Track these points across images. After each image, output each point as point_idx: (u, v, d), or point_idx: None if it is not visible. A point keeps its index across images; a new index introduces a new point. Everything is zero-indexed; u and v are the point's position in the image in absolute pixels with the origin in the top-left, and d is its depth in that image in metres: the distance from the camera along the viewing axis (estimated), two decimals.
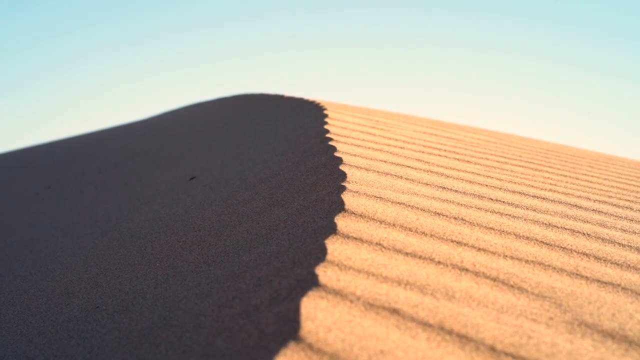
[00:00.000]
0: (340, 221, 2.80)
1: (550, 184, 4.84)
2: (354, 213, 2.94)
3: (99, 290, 3.55)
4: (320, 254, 2.43)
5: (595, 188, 5.02)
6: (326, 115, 6.30)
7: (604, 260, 3.01)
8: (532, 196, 4.18)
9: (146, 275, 3.42)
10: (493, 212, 3.52)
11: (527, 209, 3.77)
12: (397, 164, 4.39)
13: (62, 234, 5.56)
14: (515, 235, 3.14)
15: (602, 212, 4.06)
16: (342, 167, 3.86)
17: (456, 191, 3.89)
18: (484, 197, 3.87)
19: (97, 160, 9.94)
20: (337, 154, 4.27)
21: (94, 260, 4.23)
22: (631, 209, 4.34)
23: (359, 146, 4.80)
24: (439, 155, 5.19)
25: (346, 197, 3.16)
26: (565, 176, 5.39)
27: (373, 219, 2.91)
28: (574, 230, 3.42)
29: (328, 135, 5.09)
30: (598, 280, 2.73)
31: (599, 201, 4.43)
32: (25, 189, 9.46)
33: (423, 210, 3.25)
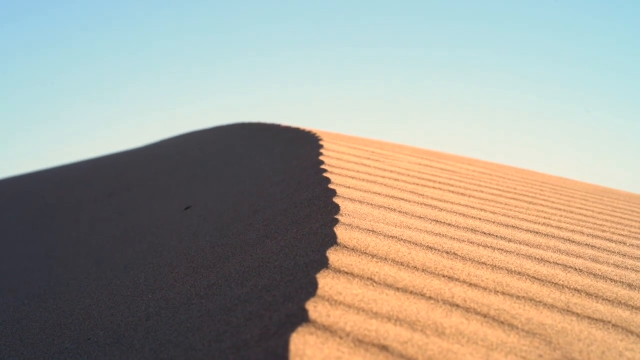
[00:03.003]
0: (332, 255, 2.81)
1: (544, 217, 4.85)
2: (346, 247, 2.94)
3: (91, 321, 3.54)
4: (311, 289, 2.43)
5: (589, 222, 5.03)
6: (321, 146, 6.33)
7: (595, 297, 3.02)
8: (526, 230, 4.19)
9: (138, 307, 3.41)
10: (486, 246, 3.53)
11: (520, 243, 3.78)
12: (391, 196, 4.41)
13: (56, 264, 5.56)
14: (507, 270, 3.15)
15: (595, 247, 4.07)
16: (335, 200, 3.87)
17: (449, 224, 3.90)
18: (477, 230, 3.88)
19: (93, 190, 9.95)
20: (331, 186, 4.29)
21: (87, 290, 4.23)
22: (624, 243, 4.35)
23: (353, 178, 4.81)
24: (433, 187, 5.21)
25: (339, 230, 3.17)
26: (559, 209, 5.41)
27: (365, 253, 2.92)
28: (566, 266, 3.43)
29: (323, 166, 5.11)
30: (589, 317, 2.73)
31: (592, 235, 4.44)
32: (19, 217, 9.45)
33: (415, 244, 3.26)
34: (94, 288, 4.21)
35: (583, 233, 4.46)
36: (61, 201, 9.80)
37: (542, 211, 5.14)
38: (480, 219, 4.27)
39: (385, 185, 4.81)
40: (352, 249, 2.93)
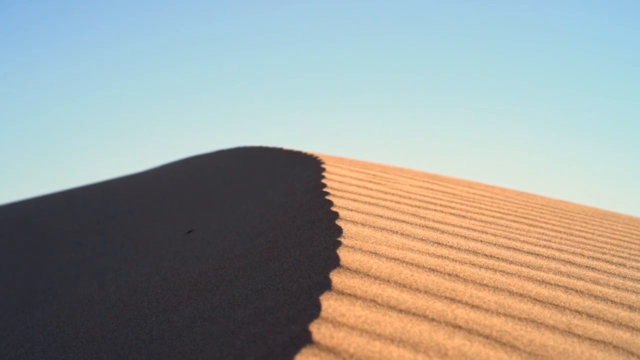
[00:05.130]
0: (335, 277, 2.83)
1: (545, 240, 4.88)
2: (349, 269, 2.97)
3: (94, 345, 3.56)
4: (314, 311, 2.46)
5: (589, 244, 5.05)
6: (323, 169, 6.36)
7: (597, 318, 3.04)
8: (527, 252, 4.22)
9: (142, 329, 3.43)
10: (487, 268, 3.56)
11: (521, 265, 3.80)
12: (393, 219, 4.43)
13: (60, 287, 5.58)
14: (509, 292, 3.17)
15: (596, 269, 4.09)
16: (338, 222, 3.90)
17: (451, 247, 3.92)
18: (478, 253, 3.91)
19: (96, 213, 9.98)
20: (333, 209, 4.32)
21: (90, 313, 4.25)
22: (624, 265, 4.38)
23: (355, 200, 4.84)
24: (434, 210, 5.24)
25: (341, 252, 3.19)
26: (560, 232, 5.43)
27: (368, 275, 2.95)
28: (567, 288, 3.45)
29: (325, 189, 5.15)
30: (590, 339, 2.75)
31: (593, 258, 4.46)
32: (23, 241, 9.48)
33: (418, 266, 3.29)
34: (97, 311, 4.23)
35: (584, 255, 4.49)
36: (64, 224, 9.83)
37: (543, 234, 5.17)
38: (481, 241, 4.30)
39: (387, 207, 4.84)
40: (355, 271, 2.95)
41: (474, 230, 4.68)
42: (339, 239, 3.49)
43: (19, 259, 7.95)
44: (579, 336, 2.75)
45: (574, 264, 4.13)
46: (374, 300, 2.66)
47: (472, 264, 3.57)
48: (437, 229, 4.40)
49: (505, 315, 2.83)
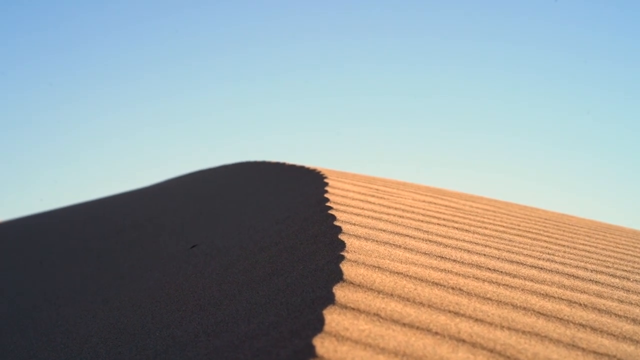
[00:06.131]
0: (339, 291, 2.84)
1: (548, 253, 4.88)
2: (353, 283, 2.97)
3: None
4: (318, 325, 2.46)
5: (592, 258, 5.05)
6: (326, 184, 6.37)
7: (600, 332, 3.04)
8: (530, 266, 4.22)
9: (146, 345, 3.44)
10: (491, 282, 3.56)
11: (525, 279, 3.80)
12: (396, 233, 4.44)
13: (64, 302, 5.58)
14: (512, 305, 3.17)
15: (599, 283, 4.09)
16: (341, 236, 3.91)
17: (454, 261, 3.93)
18: (482, 266, 3.91)
19: (99, 228, 9.99)
20: (336, 223, 4.32)
21: (94, 329, 4.25)
22: (628, 279, 4.38)
23: (358, 215, 4.85)
24: (437, 224, 5.24)
25: (345, 266, 3.20)
26: (563, 246, 5.43)
27: (371, 289, 2.95)
28: (571, 301, 3.45)
29: (328, 203, 5.15)
30: (594, 352, 2.75)
31: (596, 271, 4.46)
32: (27, 257, 9.49)
33: (421, 280, 3.29)
34: (101, 326, 4.24)
35: (587, 269, 4.48)
36: (68, 239, 9.84)
37: (546, 247, 5.17)
38: (485, 255, 4.30)
39: (390, 222, 4.85)
40: (359, 285, 2.96)
41: (477, 244, 4.68)
42: (342, 253, 3.49)
43: (23, 275, 7.96)
44: (583, 349, 2.75)
45: (577, 277, 4.13)
46: (377, 314, 2.66)
47: (476, 278, 3.57)
48: (440, 243, 4.41)
49: (509, 328, 2.83)
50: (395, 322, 2.64)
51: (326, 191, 5.87)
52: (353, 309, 2.66)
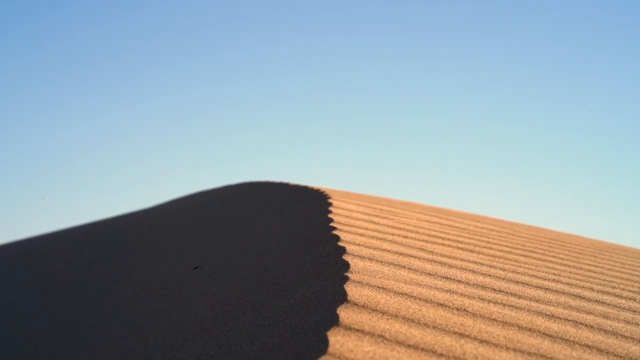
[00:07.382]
0: (343, 312, 2.81)
1: (554, 274, 4.84)
2: (357, 304, 2.95)
3: None
4: (322, 347, 2.43)
5: (598, 278, 5.02)
6: (330, 204, 6.35)
7: (607, 353, 3.01)
8: (535, 286, 4.19)
9: None
10: (496, 303, 3.53)
11: (530, 299, 3.77)
12: (401, 254, 4.41)
13: (66, 326, 5.55)
14: (518, 326, 3.14)
15: (605, 303, 4.06)
16: (345, 257, 3.89)
17: (459, 281, 3.90)
18: (487, 287, 3.88)
19: (101, 250, 9.97)
20: (340, 244, 4.30)
21: (97, 352, 4.22)
22: (634, 300, 4.34)
23: (362, 235, 4.83)
24: (442, 244, 5.21)
25: (349, 287, 3.17)
26: (569, 266, 5.40)
27: (376, 310, 2.92)
28: (576, 322, 3.42)
29: (332, 224, 5.13)
30: None
31: (602, 292, 4.43)
32: (27, 280, 9.46)
33: (426, 301, 3.26)
34: (104, 349, 4.21)
35: (593, 289, 4.45)
36: (70, 262, 9.82)
37: (552, 268, 5.14)
38: (490, 275, 4.27)
39: (394, 242, 4.82)
40: (363, 307, 2.93)
41: (482, 264, 4.65)
42: (346, 274, 3.47)
43: (23, 299, 7.93)
44: None
45: (583, 298, 4.09)
46: (382, 336, 2.64)
47: (481, 299, 3.54)
48: (445, 264, 4.38)
49: (514, 350, 2.80)
50: (400, 343, 2.61)
51: (330, 211, 5.85)
52: (357, 330, 2.64)
